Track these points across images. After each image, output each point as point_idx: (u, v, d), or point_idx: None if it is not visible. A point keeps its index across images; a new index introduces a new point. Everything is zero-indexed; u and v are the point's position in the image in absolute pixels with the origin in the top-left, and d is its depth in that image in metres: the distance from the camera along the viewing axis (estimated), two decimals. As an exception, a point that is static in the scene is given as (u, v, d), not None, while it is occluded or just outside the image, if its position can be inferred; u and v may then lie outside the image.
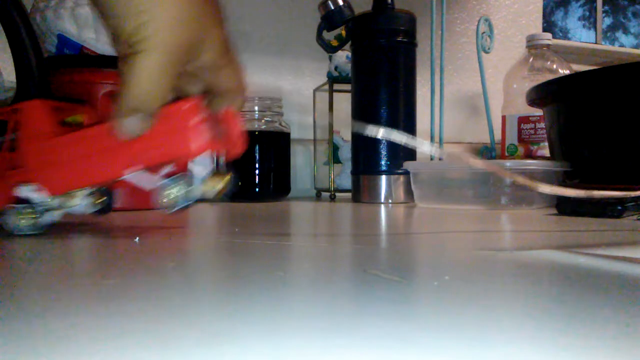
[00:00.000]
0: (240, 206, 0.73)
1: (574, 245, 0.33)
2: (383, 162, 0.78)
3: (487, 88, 0.99)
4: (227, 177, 0.36)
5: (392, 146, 0.78)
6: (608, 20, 3.22)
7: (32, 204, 0.37)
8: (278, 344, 0.14)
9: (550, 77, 0.81)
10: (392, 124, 0.77)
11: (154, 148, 0.34)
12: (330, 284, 0.22)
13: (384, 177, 0.78)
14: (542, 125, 0.89)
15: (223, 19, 0.33)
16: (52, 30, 0.63)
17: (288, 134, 0.90)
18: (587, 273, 0.25)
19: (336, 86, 0.93)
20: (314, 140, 1.04)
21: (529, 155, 0.95)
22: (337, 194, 0.93)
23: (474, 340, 0.15)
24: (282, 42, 1.07)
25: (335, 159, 0.96)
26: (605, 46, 1.65)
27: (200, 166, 0.35)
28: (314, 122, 1.03)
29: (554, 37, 1.03)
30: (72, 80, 0.61)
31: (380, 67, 0.78)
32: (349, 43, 0.82)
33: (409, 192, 0.76)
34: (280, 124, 0.88)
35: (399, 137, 0.33)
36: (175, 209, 0.35)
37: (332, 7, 0.81)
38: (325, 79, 0.94)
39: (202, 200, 0.36)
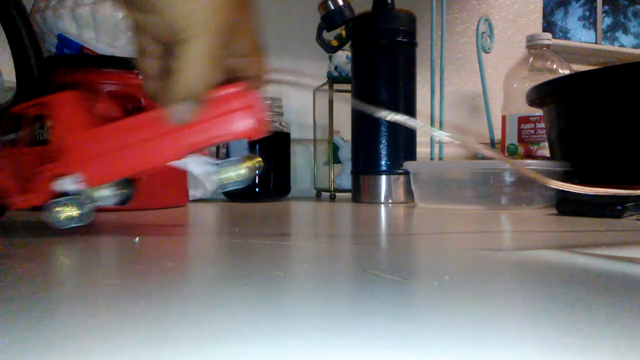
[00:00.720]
0: (240, 206, 0.73)
1: (574, 245, 0.33)
2: (383, 162, 0.78)
3: (487, 88, 1.00)
4: (258, 160, 0.38)
5: (392, 146, 0.78)
6: (608, 20, 3.22)
7: (73, 197, 0.36)
8: (278, 344, 0.14)
9: (550, 77, 0.81)
10: (392, 123, 0.77)
11: (203, 132, 0.35)
12: (330, 284, 0.22)
13: (384, 177, 0.78)
14: (542, 125, 0.89)
15: (252, 7, 0.35)
16: (52, 30, 0.63)
17: (288, 134, 0.90)
18: (587, 273, 0.25)
19: (336, 86, 0.93)
20: (314, 140, 1.04)
21: (529, 155, 0.94)
22: (337, 194, 0.93)
23: (474, 340, 0.15)
24: (282, 42, 1.07)
25: (335, 159, 0.96)
26: (605, 46, 1.65)
27: (196, 162, 0.35)
28: (314, 122, 1.03)
29: (554, 37, 1.02)
30: (72, 80, 0.61)
31: (380, 67, 0.78)
32: (349, 43, 0.82)
33: (409, 192, 0.75)
34: (280, 124, 0.88)
35: (398, 117, 0.34)
36: (225, 189, 0.38)
37: (332, 7, 0.81)
38: (325, 79, 0.94)
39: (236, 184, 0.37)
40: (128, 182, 0.39)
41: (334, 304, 0.19)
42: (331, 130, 0.92)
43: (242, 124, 0.35)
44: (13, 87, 0.44)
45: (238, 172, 0.37)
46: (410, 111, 0.80)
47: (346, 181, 0.92)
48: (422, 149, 0.86)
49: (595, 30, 1.82)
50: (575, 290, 0.21)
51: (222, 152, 0.84)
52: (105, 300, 0.19)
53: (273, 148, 0.87)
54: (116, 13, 0.63)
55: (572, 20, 3.25)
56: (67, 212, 0.36)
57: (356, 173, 0.82)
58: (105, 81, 0.62)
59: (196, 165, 0.37)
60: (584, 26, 3.13)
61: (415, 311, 0.18)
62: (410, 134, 0.80)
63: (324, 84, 0.96)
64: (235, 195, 0.86)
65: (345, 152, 0.95)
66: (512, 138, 0.97)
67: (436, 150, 0.96)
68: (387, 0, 0.79)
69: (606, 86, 0.61)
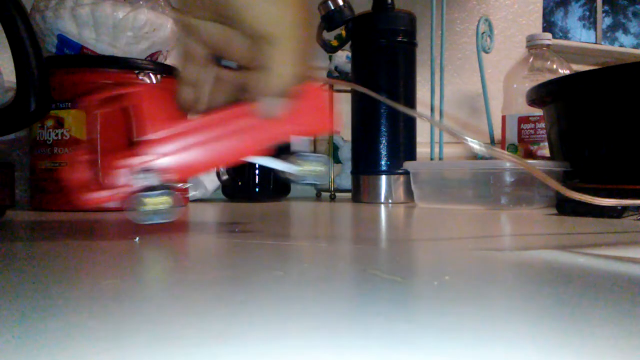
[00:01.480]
0: (240, 206, 0.73)
1: (574, 245, 0.33)
2: (383, 162, 0.78)
3: (487, 88, 1.00)
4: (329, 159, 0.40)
5: (392, 146, 0.78)
6: (608, 20, 3.22)
7: (161, 191, 0.35)
8: (278, 344, 0.14)
9: (550, 77, 0.81)
10: (392, 123, 0.77)
11: (286, 127, 0.37)
12: (330, 284, 0.22)
13: (384, 177, 0.78)
14: (542, 125, 0.89)
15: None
16: (52, 30, 0.63)
17: (288, 134, 0.89)
18: (587, 273, 0.25)
19: (336, 86, 0.93)
20: (314, 140, 1.04)
21: (529, 155, 0.95)
22: (337, 194, 0.93)
23: (474, 340, 0.15)
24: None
25: (335, 159, 0.96)
26: (605, 46, 1.65)
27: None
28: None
29: (554, 37, 1.02)
30: (72, 80, 0.61)
31: (380, 67, 0.78)
32: (349, 43, 0.82)
33: (409, 192, 0.75)
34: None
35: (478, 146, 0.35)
36: (303, 182, 0.39)
37: (332, 7, 0.81)
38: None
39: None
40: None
41: (333, 304, 0.19)
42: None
43: (318, 121, 0.38)
44: (13, 87, 0.44)
45: (319, 167, 0.39)
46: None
47: (346, 181, 0.92)
48: (422, 149, 0.86)
49: (595, 30, 1.82)
50: (575, 290, 0.21)
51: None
52: (105, 300, 0.19)
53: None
54: (116, 13, 0.63)
55: (572, 20, 3.25)
56: (154, 206, 0.35)
57: (356, 173, 0.82)
58: (105, 81, 0.62)
59: (278, 157, 0.38)
60: (584, 26, 3.13)
61: (415, 311, 0.18)
62: (410, 134, 0.80)
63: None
64: (235, 195, 0.86)
65: (345, 152, 0.95)
66: (512, 138, 0.97)
67: (436, 150, 0.96)
68: (387, 0, 0.79)
69: (606, 86, 0.61)
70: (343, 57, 0.93)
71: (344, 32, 0.83)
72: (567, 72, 0.95)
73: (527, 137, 0.95)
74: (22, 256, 0.30)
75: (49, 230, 0.38)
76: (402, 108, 0.40)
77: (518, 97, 0.94)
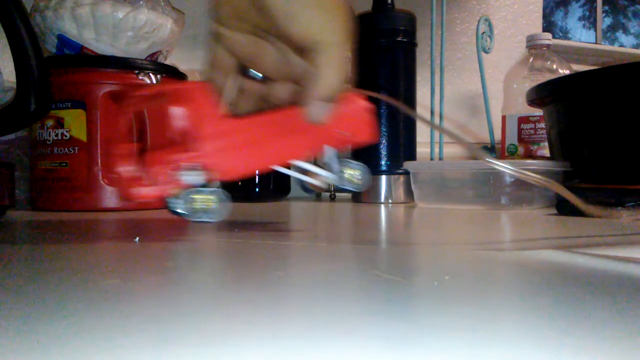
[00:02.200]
0: (240, 206, 0.73)
1: (574, 245, 0.33)
2: (383, 162, 0.78)
3: (487, 88, 0.99)
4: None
5: (392, 146, 0.78)
6: (608, 20, 3.22)
7: (212, 190, 0.34)
8: (278, 344, 0.14)
9: (550, 77, 0.81)
10: (392, 123, 0.77)
11: (335, 133, 0.38)
12: (330, 284, 0.22)
13: (384, 177, 0.78)
14: (542, 125, 0.89)
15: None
16: (52, 30, 0.63)
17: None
18: (587, 273, 0.25)
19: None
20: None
21: (529, 155, 0.94)
22: (337, 194, 0.93)
23: (474, 340, 0.15)
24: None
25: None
26: (605, 46, 1.65)
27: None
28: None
29: (554, 37, 1.02)
30: (72, 80, 0.61)
31: (380, 67, 0.78)
32: (349, 43, 0.82)
33: (409, 192, 0.75)
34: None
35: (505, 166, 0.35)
36: (342, 187, 0.40)
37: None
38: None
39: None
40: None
41: (333, 303, 0.19)
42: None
43: (362, 129, 0.40)
44: (13, 87, 0.44)
45: (360, 175, 0.41)
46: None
47: (346, 181, 0.92)
48: (422, 149, 0.86)
49: (595, 30, 1.82)
50: (575, 290, 0.21)
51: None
52: (105, 300, 0.19)
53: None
54: (116, 13, 0.63)
55: (572, 20, 3.25)
56: (204, 204, 0.34)
57: (356, 173, 0.82)
58: (105, 81, 0.62)
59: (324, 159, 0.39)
60: (584, 26, 3.13)
61: (415, 311, 0.18)
62: (410, 134, 0.80)
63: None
64: (236, 195, 0.86)
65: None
66: (512, 138, 0.97)
67: (436, 150, 0.96)
68: (387, 0, 0.79)
69: (606, 86, 0.61)
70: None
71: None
72: (567, 72, 0.95)
73: (527, 137, 0.95)
74: (22, 256, 0.30)
75: (49, 230, 0.38)
76: (418, 115, 0.41)
77: (518, 97, 0.94)
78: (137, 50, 0.66)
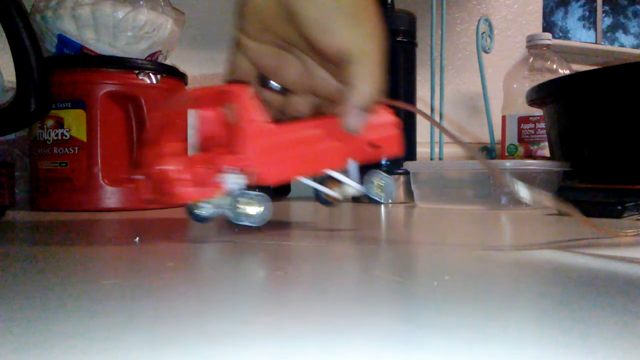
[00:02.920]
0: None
1: (574, 245, 0.33)
2: (383, 162, 0.78)
3: (487, 88, 0.99)
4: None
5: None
6: (608, 20, 3.22)
7: (258, 194, 0.34)
8: (278, 344, 0.14)
9: (550, 77, 0.81)
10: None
11: (368, 143, 0.39)
12: (330, 284, 0.22)
13: (384, 177, 0.78)
14: (542, 125, 0.89)
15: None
16: (52, 30, 0.63)
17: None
18: (587, 273, 0.25)
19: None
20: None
21: (529, 155, 0.95)
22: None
23: (474, 340, 0.15)
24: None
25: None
26: (605, 46, 1.65)
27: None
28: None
29: (554, 37, 1.03)
30: (72, 80, 0.61)
31: (380, 67, 0.78)
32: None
33: (409, 192, 0.75)
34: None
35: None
36: (370, 196, 0.41)
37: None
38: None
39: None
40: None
41: (334, 303, 0.19)
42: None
43: (391, 142, 0.41)
44: (13, 87, 0.44)
45: (387, 186, 0.41)
46: (410, 111, 0.80)
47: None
48: (422, 149, 0.86)
49: (595, 30, 1.82)
50: (575, 290, 0.21)
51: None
52: (105, 300, 0.19)
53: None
54: (116, 13, 0.63)
55: (572, 20, 3.25)
56: (248, 208, 0.33)
57: (356, 173, 0.82)
58: (105, 81, 0.62)
59: (355, 169, 0.40)
60: (584, 26, 3.13)
61: (415, 311, 0.18)
62: (410, 134, 0.80)
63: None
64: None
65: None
66: (512, 138, 0.97)
67: (436, 150, 0.96)
68: (387, 0, 0.79)
69: (606, 86, 0.61)
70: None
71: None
72: (567, 72, 0.95)
73: (527, 137, 0.95)
74: (22, 256, 0.30)
75: (49, 230, 0.38)
76: (436, 123, 0.41)
77: (518, 97, 0.94)
78: (137, 50, 0.66)
